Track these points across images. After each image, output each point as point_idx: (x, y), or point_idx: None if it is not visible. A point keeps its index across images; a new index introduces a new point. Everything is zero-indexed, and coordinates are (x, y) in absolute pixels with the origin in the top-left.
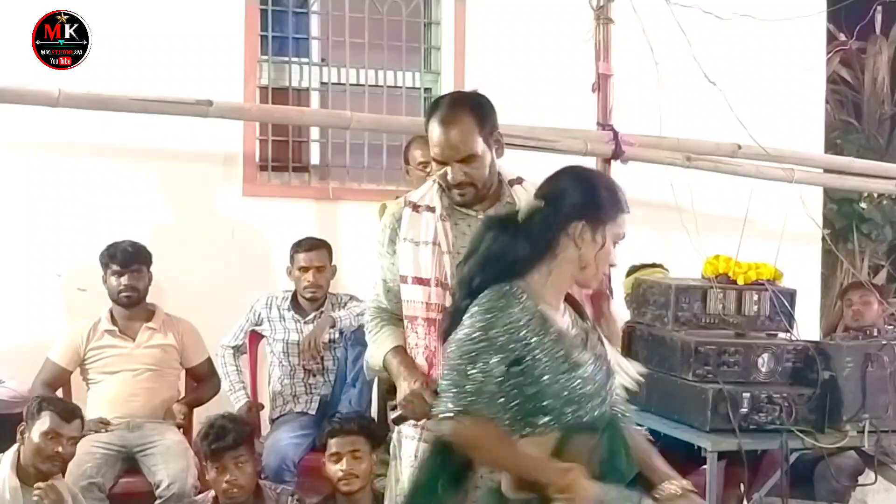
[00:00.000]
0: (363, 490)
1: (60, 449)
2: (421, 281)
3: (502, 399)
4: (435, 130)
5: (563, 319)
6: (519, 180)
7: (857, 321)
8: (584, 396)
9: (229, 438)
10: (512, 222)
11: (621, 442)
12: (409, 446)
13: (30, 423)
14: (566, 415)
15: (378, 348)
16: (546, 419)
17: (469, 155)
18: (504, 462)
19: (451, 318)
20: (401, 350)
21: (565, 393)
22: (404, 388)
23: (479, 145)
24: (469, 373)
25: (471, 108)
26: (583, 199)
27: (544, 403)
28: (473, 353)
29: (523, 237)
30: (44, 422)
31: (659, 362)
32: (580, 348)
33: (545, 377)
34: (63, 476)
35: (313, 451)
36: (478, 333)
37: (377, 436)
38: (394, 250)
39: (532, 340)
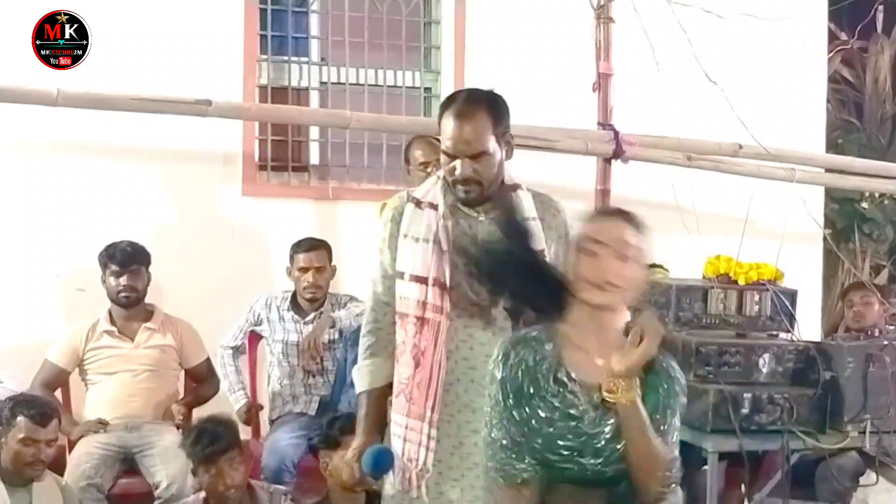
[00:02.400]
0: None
1: (39, 454)
2: (418, 279)
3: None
4: (449, 124)
5: (594, 364)
6: (515, 187)
7: (859, 322)
8: (570, 449)
9: (223, 442)
10: None
11: None
12: None
13: (5, 429)
14: (549, 462)
15: (359, 379)
16: (529, 462)
17: (480, 152)
18: None
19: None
20: (373, 396)
21: (546, 437)
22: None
23: (491, 143)
24: (493, 435)
25: (487, 105)
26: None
27: (529, 445)
28: (495, 421)
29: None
30: (19, 428)
31: None
32: (583, 402)
33: (533, 421)
34: (63, 475)
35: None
36: (493, 402)
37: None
38: (395, 245)
39: (529, 382)
